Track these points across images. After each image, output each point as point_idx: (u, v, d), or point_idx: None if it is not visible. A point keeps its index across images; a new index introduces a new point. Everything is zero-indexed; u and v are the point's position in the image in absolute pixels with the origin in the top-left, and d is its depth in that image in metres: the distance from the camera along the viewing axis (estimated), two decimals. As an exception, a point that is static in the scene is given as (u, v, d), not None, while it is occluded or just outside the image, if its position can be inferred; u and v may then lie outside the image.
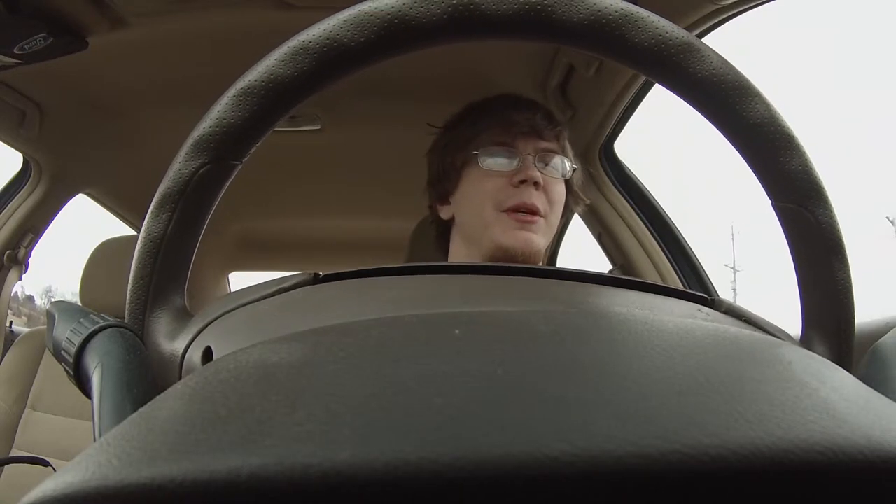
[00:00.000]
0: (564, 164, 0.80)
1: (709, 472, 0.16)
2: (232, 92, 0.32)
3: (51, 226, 1.60)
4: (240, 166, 0.33)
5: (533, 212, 0.76)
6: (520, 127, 0.79)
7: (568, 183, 0.82)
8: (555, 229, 0.82)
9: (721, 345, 0.24)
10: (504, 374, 0.19)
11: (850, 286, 0.34)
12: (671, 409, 0.18)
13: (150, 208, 0.33)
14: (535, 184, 0.76)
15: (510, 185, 0.77)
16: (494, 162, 0.78)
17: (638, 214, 1.35)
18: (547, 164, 0.79)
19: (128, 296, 0.35)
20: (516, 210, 0.76)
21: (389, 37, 0.30)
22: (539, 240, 0.77)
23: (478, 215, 0.79)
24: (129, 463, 0.16)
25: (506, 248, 0.76)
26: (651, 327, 0.25)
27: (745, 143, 0.33)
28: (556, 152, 0.80)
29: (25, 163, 1.52)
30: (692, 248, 1.34)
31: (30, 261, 1.60)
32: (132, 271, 0.34)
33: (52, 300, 0.46)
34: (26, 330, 1.60)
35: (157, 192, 0.33)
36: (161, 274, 0.34)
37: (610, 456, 0.16)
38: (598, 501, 0.16)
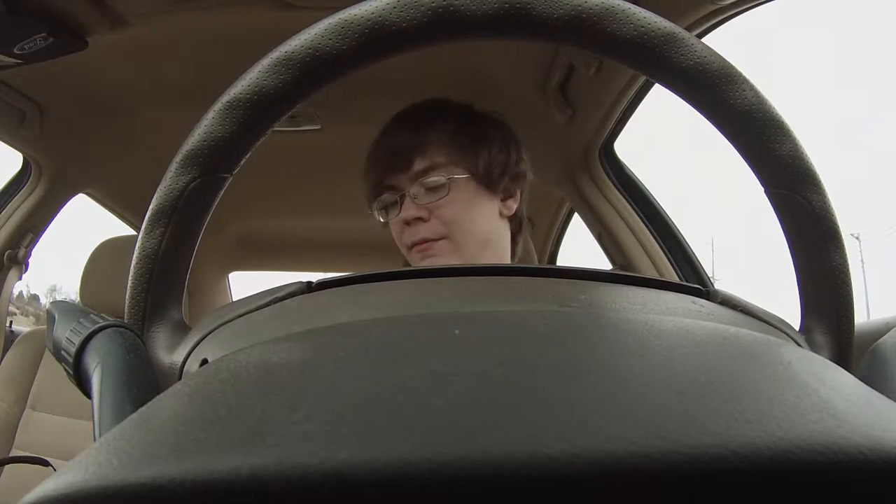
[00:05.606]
0: (440, 180, 0.77)
1: (709, 471, 0.16)
2: (218, 105, 0.32)
3: (53, 225, 1.61)
4: (231, 178, 0.33)
5: (427, 241, 0.78)
6: (385, 167, 0.80)
7: (479, 177, 0.79)
8: (484, 233, 0.80)
9: (721, 344, 0.24)
10: (504, 373, 0.19)
11: (848, 271, 0.34)
12: (671, 408, 0.18)
13: (144, 224, 0.34)
14: (418, 218, 0.77)
15: (404, 224, 0.79)
16: (384, 214, 0.82)
17: (638, 214, 1.35)
18: (425, 191, 0.78)
19: (126, 310, 0.35)
20: (414, 246, 0.79)
21: (371, 43, 0.30)
22: (448, 259, 0.78)
23: (404, 254, 0.83)
24: (128, 463, 0.16)
25: None
26: (651, 327, 0.25)
27: (735, 130, 0.33)
28: (428, 171, 0.78)
29: (25, 163, 1.52)
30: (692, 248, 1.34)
31: (30, 260, 1.60)
32: (129, 286, 0.34)
33: (53, 300, 0.46)
34: (26, 330, 1.60)
35: (150, 208, 0.33)
36: (157, 289, 0.34)
37: (610, 456, 0.16)
38: (599, 501, 0.16)
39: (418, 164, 0.78)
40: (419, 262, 0.79)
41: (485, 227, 0.81)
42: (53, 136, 1.42)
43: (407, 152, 0.78)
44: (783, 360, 0.23)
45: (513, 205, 0.85)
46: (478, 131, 0.81)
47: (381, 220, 0.83)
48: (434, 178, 0.77)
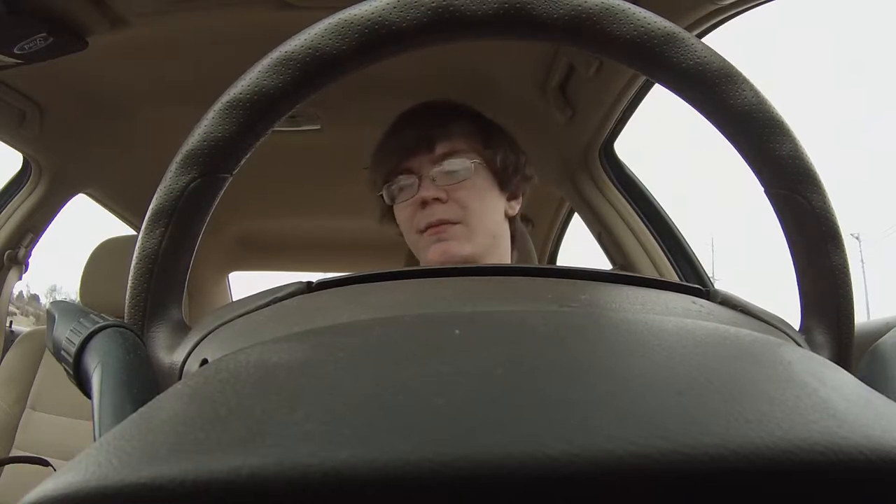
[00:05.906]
0: (463, 163, 0.79)
1: (709, 471, 0.16)
2: (218, 106, 0.32)
3: (53, 225, 1.61)
4: (231, 178, 0.33)
5: (444, 223, 0.78)
6: (405, 150, 0.80)
7: (495, 171, 0.81)
8: (493, 226, 0.81)
9: (722, 344, 0.24)
10: (504, 373, 0.19)
11: (848, 271, 0.34)
12: (671, 408, 0.18)
13: (144, 224, 0.34)
14: (436, 199, 0.78)
15: (419, 207, 0.79)
16: (398, 195, 0.81)
17: (638, 214, 1.35)
18: (445, 172, 0.78)
19: (126, 310, 0.35)
20: (428, 228, 0.79)
21: (370, 43, 0.31)
22: (461, 246, 0.78)
23: (410, 241, 0.83)
24: (128, 463, 0.16)
25: (432, 264, 0.78)
26: (651, 327, 0.25)
27: (735, 130, 0.33)
28: (450, 154, 0.79)
29: (25, 163, 1.52)
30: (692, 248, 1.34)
31: (30, 260, 1.60)
32: (129, 286, 0.34)
33: (53, 300, 0.46)
34: (26, 330, 1.60)
35: (150, 208, 0.33)
36: (157, 289, 0.34)
37: (610, 456, 0.16)
38: (599, 501, 0.16)
39: (441, 148, 0.79)
40: (431, 246, 0.78)
41: (494, 221, 0.82)
42: (53, 136, 1.42)
43: (429, 136, 0.79)
44: (783, 360, 0.23)
45: (516, 206, 0.86)
46: (488, 130, 0.83)
47: (389, 202, 0.83)
48: (457, 162, 0.79)
